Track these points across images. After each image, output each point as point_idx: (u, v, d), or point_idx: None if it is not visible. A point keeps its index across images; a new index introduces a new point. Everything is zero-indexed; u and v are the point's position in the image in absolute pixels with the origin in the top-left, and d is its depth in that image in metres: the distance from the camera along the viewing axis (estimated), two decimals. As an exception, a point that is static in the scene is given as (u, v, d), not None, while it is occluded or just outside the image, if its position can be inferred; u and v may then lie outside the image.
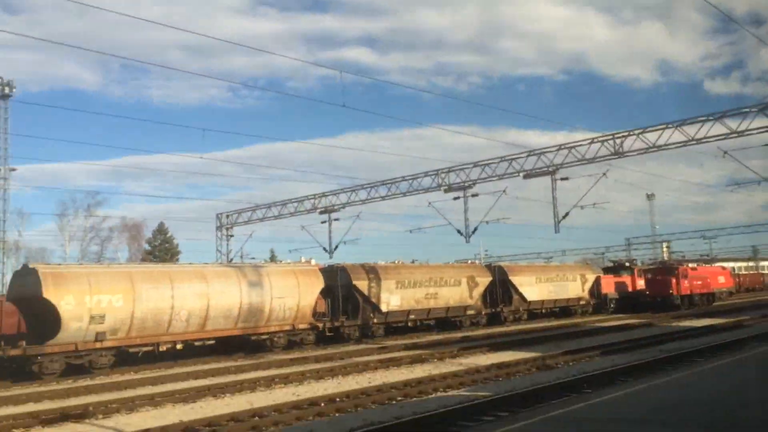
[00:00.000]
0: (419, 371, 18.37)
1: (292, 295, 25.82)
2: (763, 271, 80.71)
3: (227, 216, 37.58)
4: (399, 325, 31.31)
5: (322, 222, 33.02)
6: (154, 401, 14.88)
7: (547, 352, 21.32)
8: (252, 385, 16.62)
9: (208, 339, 23.73)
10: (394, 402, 13.72)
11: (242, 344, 25.28)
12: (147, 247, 73.00)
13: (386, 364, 20.03)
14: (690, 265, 49.40)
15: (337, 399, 14.11)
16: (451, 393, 14.58)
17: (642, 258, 78.91)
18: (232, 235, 37.00)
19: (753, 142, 22.91)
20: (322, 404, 13.54)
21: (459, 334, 30.38)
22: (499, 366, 18.16)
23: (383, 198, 30.93)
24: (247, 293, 24.41)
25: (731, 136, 22.06)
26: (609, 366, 16.83)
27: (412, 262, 35.20)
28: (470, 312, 33.66)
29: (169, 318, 22.29)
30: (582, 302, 40.29)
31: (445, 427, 10.47)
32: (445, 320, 33.25)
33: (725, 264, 68.73)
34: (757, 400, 8.85)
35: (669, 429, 7.50)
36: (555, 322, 35.83)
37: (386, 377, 17.43)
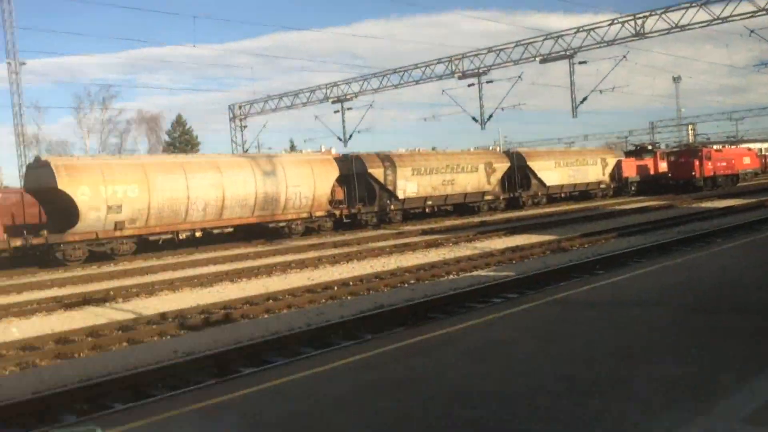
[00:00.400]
0: (434, 255, 18.50)
1: (307, 184, 25.81)
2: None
3: (240, 107, 37.02)
4: (416, 212, 31.41)
5: (335, 111, 32.39)
6: (173, 285, 15.27)
7: (564, 235, 21.25)
8: (268, 270, 16.93)
9: (226, 227, 24.05)
10: (406, 285, 13.87)
11: (261, 232, 25.70)
12: (167, 138, 73.16)
13: (401, 248, 20.21)
14: (715, 147, 48.21)
15: (351, 283, 14.30)
16: (463, 276, 14.68)
17: (667, 141, 77.26)
18: (245, 126, 36.66)
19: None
20: (336, 288, 13.73)
21: (476, 219, 30.46)
22: (514, 249, 18.18)
23: (395, 86, 30.05)
24: (262, 183, 24.43)
25: (759, 14, 20.58)
26: (624, 248, 16.73)
27: (433, 149, 34.82)
28: (488, 197, 33.56)
29: (186, 207, 22.50)
30: (602, 186, 39.87)
31: (452, 308, 10.55)
32: (463, 206, 33.26)
33: (752, 145, 67.02)
34: (760, 283, 8.66)
35: (660, 309, 7.40)
36: (574, 206, 35.65)
37: (401, 261, 17.59)
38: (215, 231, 23.76)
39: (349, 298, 12.76)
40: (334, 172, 27.09)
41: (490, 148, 48.60)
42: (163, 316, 11.60)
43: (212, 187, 23.11)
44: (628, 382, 4.95)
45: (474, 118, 28.29)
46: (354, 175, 28.30)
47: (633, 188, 41.26)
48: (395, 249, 20.16)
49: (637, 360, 5.51)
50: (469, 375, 5.45)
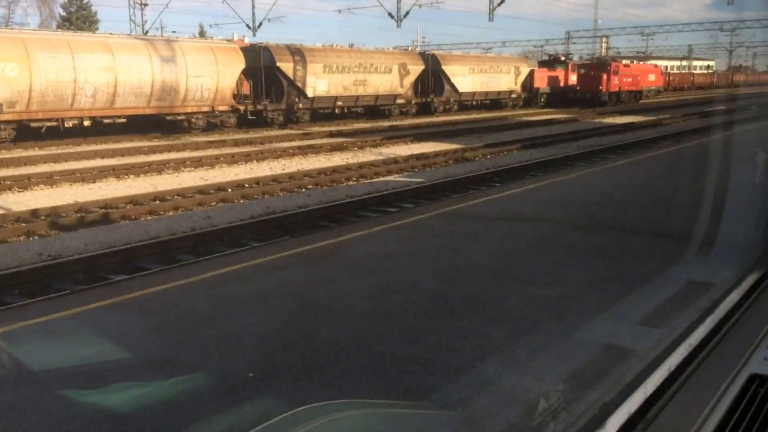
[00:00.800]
0: (337, 159, 18.09)
1: (210, 74, 24.28)
2: (694, 71, 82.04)
3: (140, -18, 33.86)
4: (326, 112, 30.53)
5: (245, -5, 30.11)
6: (51, 180, 14.14)
7: (470, 144, 21.31)
8: (159, 168, 15.99)
9: (118, 117, 22.45)
10: (304, 190, 13.47)
11: (158, 124, 24.21)
12: (62, 12, 66.78)
13: (305, 150, 19.62)
14: (624, 62, 49.28)
15: (246, 185, 13.72)
16: (362, 182, 14.43)
17: (582, 53, 78.35)
18: (146, 4, 33.68)
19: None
20: (229, 190, 13.15)
21: (387, 123, 30.01)
22: (418, 157, 18.03)
23: (311, -29, 28.10)
24: (159, 70, 22.71)
25: None
26: (525, 160, 16.94)
27: (350, 46, 33.43)
28: (400, 101, 33.02)
29: (73, 92, 20.69)
30: (513, 95, 40.12)
31: (345, 217, 10.30)
32: (375, 108, 32.61)
33: (660, 62, 69.23)
34: (640, 201, 8.88)
35: (543, 225, 7.44)
36: (485, 114, 35.81)
37: (302, 164, 17.09)
38: (106, 120, 22.11)
39: (241, 201, 12.25)
40: (240, 64, 25.56)
41: (409, 49, 47.41)
42: (35, 213, 10.70)
43: (103, 70, 21.26)
44: (500, 301, 4.88)
45: (390, 14, 27.18)
46: (261, 68, 26.83)
47: (543, 99, 41.82)
48: (299, 151, 19.55)
49: (512, 278, 5.46)
50: (344, 290, 5.23)
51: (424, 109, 34.92)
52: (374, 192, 12.57)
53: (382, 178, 14.98)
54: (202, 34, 64.74)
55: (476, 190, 11.75)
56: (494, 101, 39.32)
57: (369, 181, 14.49)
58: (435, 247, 6.57)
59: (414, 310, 4.71)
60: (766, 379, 1.98)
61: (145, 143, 21.47)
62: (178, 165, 16.51)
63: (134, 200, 11.95)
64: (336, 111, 30.69)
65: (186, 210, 11.37)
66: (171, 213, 11.17)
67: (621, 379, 2.22)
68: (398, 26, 27.57)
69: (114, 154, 18.84)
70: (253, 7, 30.32)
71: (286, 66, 27.15)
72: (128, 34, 24.31)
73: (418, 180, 14.23)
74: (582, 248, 6.37)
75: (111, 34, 23.48)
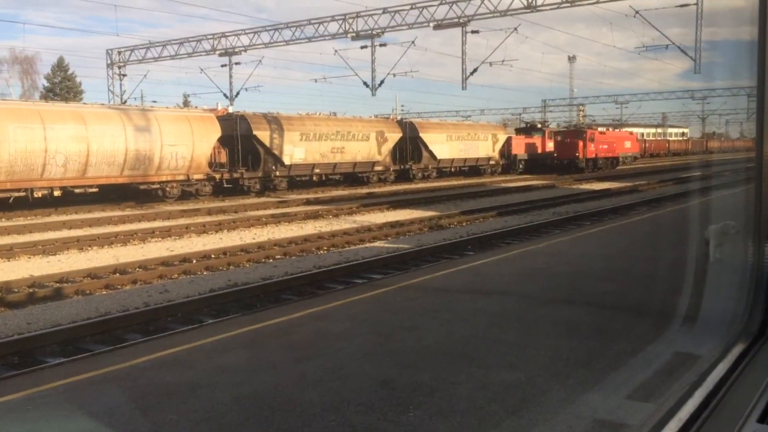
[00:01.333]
0: (310, 228, 17.78)
1: (186, 143, 24.19)
2: (669, 138, 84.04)
3: (119, 53, 34.16)
4: (303, 179, 30.46)
5: (223, 65, 30.55)
6: (11, 252, 13.63)
7: (446, 211, 21.17)
8: (126, 238, 15.55)
9: (90, 186, 22.11)
10: (271, 260, 13.07)
11: (132, 193, 23.90)
12: (45, 84, 67.45)
13: (279, 219, 19.32)
14: (600, 129, 50.26)
15: (212, 255, 13.30)
16: (334, 251, 14.08)
17: (558, 120, 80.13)
18: (125, 75, 33.92)
19: (668, 3, 22.10)
20: (194, 261, 12.72)
21: (365, 190, 29.96)
22: (392, 225, 17.77)
23: (287, 42, 28.66)
24: (133, 138, 22.59)
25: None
26: (499, 228, 16.74)
27: (333, 114, 33.74)
28: (378, 168, 33.13)
29: (43, 162, 20.42)
30: (492, 162, 40.51)
31: (307, 288, 9.89)
32: (353, 175, 32.66)
33: (636, 129, 70.82)
34: (610, 274, 8.59)
35: (508, 299, 7.09)
36: (463, 181, 35.99)
37: (273, 233, 16.75)
38: (77, 190, 21.77)
39: (204, 273, 11.80)
40: (216, 132, 25.56)
41: (390, 117, 48.05)
42: (-17, 288, 10.17)
43: (75, 140, 21.07)
44: (452, 389, 4.46)
45: (365, 83, 27.54)
46: (238, 136, 26.84)
47: (521, 166, 42.25)
48: (272, 219, 19.24)
49: (468, 361, 5.05)
50: (284, 378, 4.78)
51: (403, 176, 35.05)
52: (343, 262, 12.21)
53: (354, 247, 14.65)
54: (186, 103, 65.50)
55: (447, 260, 11.43)
56: (473, 168, 39.64)
57: (340, 250, 14.14)
58: (391, 325, 6.17)
59: (357, 401, 4.28)
60: None
61: (116, 213, 21.07)
62: (146, 235, 16.09)
63: (92, 273, 11.47)
64: (314, 178, 30.65)
65: (145, 283, 10.89)
66: (128, 287, 10.68)
67: None
68: (373, 95, 27.93)
69: (82, 224, 18.40)
70: (231, 76, 30.66)
71: (263, 134, 27.20)
72: (102, 104, 24.28)
73: (390, 248, 13.92)
74: (548, 325, 6.01)
75: (85, 104, 23.46)
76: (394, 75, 28.19)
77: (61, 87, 67.83)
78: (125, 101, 33.83)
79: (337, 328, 6.16)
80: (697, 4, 21.93)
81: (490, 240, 14.52)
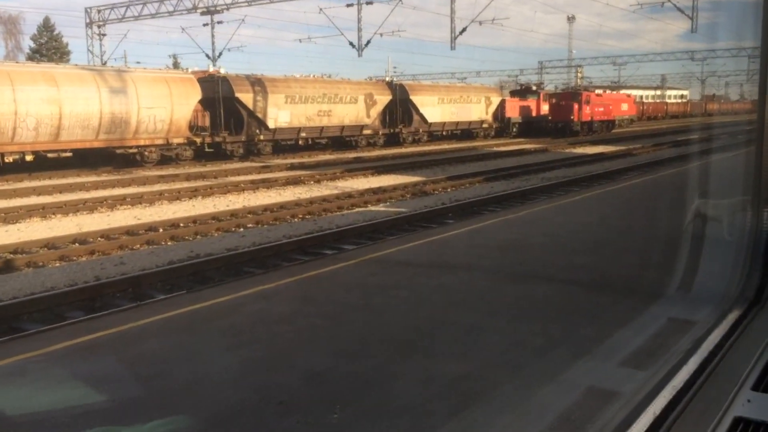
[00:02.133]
0: (289, 194, 17.17)
1: (164, 106, 23.37)
2: (668, 100, 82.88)
3: (99, 11, 32.93)
4: (289, 144, 29.70)
5: (204, 24, 29.47)
6: (-31, 221, 13.02)
7: (433, 176, 20.56)
8: (94, 206, 14.93)
9: (63, 150, 21.38)
10: (241, 229, 12.48)
11: (110, 158, 23.17)
12: (31, 45, 65.85)
13: (257, 185, 18.69)
14: (597, 91, 49.28)
15: (181, 224, 12.72)
16: (308, 219, 13.49)
17: (556, 83, 78.87)
18: (104, 35, 32.75)
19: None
20: (161, 230, 12.14)
21: (352, 155, 29.23)
22: (375, 191, 17.16)
23: (271, 0, 27.55)
24: (108, 101, 21.77)
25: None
26: (484, 194, 16.14)
27: (328, 76, 32.74)
28: (367, 132, 32.33)
29: (13, 125, 19.65)
30: (485, 125, 39.67)
31: (272, 260, 9.33)
32: (341, 139, 31.89)
33: (634, 92, 69.69)
34: (588, 246, 8.03)
35: (476, 274, 6.53)
36: (454, 145, 35.24)
37: (250, 200, 16.14)
38: (50, 155, 21.05)
39: (169, 243, 11.21)
40: (196, 95, 24.71)
41: (386, 79, 46.91)
42: (-72, 259, 9.58)
43: (46, 102, 20.27)
44: (390, 383, 3.93)
45: (351, 43, 26.56)
46: (220, 99, 25.99)
47: (515, 129, 41.43)
48: (251, 185, 18.60)
49: (417, 349, 4.51)
50: (206, 370, 4.24)
51: (393, 140, 34.27)
52: (315, 231, 11.64)
53: (330, 215, 14.06)
54: (176, 65, 64.09)
55: (423, 229, 10.85)
56: (465, 131, 38.83)
57: (315, 218, 13.55)
58: (343, 306, 5.61)
59: (279, 398, 3.73)
60: (750, 423, 1.95)
61: (90, 178, 20.39)
62: (116, 202, 15.47)
63: (50, 243, 10.89)
64: (300, 143, 29.90)
65: (103, 255, 10.31)
66: (84, 258, 10.10)
67: (608, 423, 2.10)
68: (360, 55, 26.99)
69: (54, 190, 17.74)
70: (213, 36, 29.59)
71: (246, 97, 26.34)
72: (75, 65, 23.35)
73: (368, 216, 13.34)
74: (511, 305, 5.46)
75: (57, 64, 22.55)
76: (381, 35, 27.28)
77: (48, 48, 66.34)
78: (105, 62, 32.80)
79: (282, 308, 5.61)
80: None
81: (472, 207, 13.93)
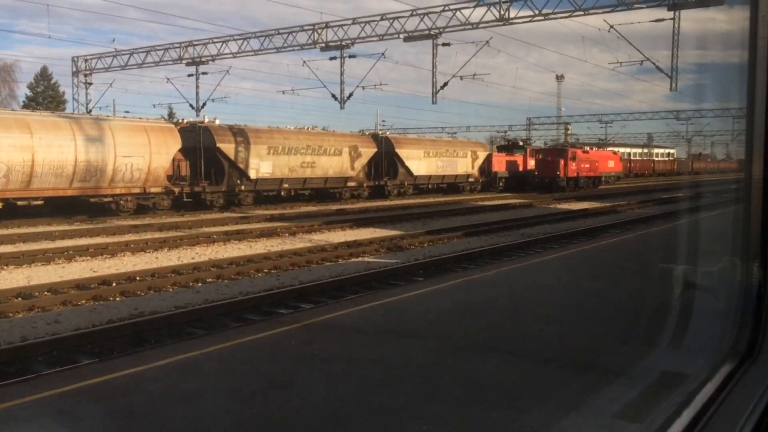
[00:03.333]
0: (259, 247, 16.61)
1: (142, 154, 23.00)
2: (655, 158, 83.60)
3: (86, 60, 32.95)
4: (271, 195, 29.28)
5: (189, 75, 29.46)
6: None
7: (412, 230, 20.08)
8: (52, 256, 14.31)
9: (35, 198, 20.85)
10: (200, 284, 11.87)
11: (85, 206, 22.63)
12: (28, 93, 66.30)
13: (230, 236, 18.12)
14: (585, 148, 49.49)
15: (138, 278, 12.09)
16: (272, 274, 12.90)
17: (545, 139, 79.51)
18: (90, 83, 32.70)
19: (644, 18, 21.32)
20: (114, 284, 11.52)
21: (335, 207, 28.84)
22: (349, 245, 16.64)
23: (255, 52, 27.61)
24: (84, 149, 21.40)
25: (618, 8, 20.31)
26: (460, 250, 15.62)
27: (321, 128, 32.60)
28: (351, 184, 32.03)
29: (-18, 173, 19.16)
30: (471, 179, 39.52)
31: (218, 320, 8.70)
32: (325, 191, 31.54)
33: (623, 149, 70.23)
34: (552, 311, 7.48)
35: (425, 344, 5.93)
36: (440, 198, 34.97)
37: (218, 252, 15.57)
38: (20, 202, 20.49)
39: (117, 299, 10.56)
40: (176, 144, 24.40)
41: (375, 132, 46.87)
42: None
43: (18, 149, 19.86)
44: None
45: (334, 96, 26.47)
46: (201, 148, 25.69)
47: (501, 184, 41.28)
48: (223, 237, 18.04)
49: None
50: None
51: (378, 192, 33.96)
52: (275, 288, 11.04)
53: (296, 269, 13.47)
54: (171, 115, 64.32)
55: (389, 287, 10.28)
56: (451, 185, 38.63)
57: (278, 273, 12.95)
58: (261, 381, 5.00)
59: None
60: None
61: (62, 227, 19.81)
62: (79, 252, 14.86)
63: (-9, 298, 10.22)
64: (282, 194, 29.50)
65: (42, 311, 9.65)
66: (21, 315, 9.44)
67: None
68: (342, 108, 26.89)
69: (19, 239, 17.13)
70: (197, 87, 29.53)
71: (227, 147, 26.06)
72: (51, 112, 23.08)
73: (335, 272, 12.77)
74: (451, 384, 4.85)
75: (32, 111, 22.27)
76: (363, 88, 27.19)
77: (44, 96, 66.77)
78: (90, 110, 32.61)
79: (191, 385, 4.97)
80: (673, 19, 21.12)
81: (445, 264, 13.40)
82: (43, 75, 66.74)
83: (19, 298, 10.37)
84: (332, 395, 4.62)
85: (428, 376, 5.04)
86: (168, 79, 30.40)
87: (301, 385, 4.87)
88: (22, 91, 65.51)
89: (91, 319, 8.91)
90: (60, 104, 66.72)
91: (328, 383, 4.89)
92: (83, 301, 10.30)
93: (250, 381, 5.01)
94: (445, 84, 23.62)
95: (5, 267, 13.06)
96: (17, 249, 15.30)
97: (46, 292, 10.81)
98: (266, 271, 13.27)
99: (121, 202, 22.98)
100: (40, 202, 21.13)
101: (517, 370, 5.21)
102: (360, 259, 15.10)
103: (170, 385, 4.94)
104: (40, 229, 19.37)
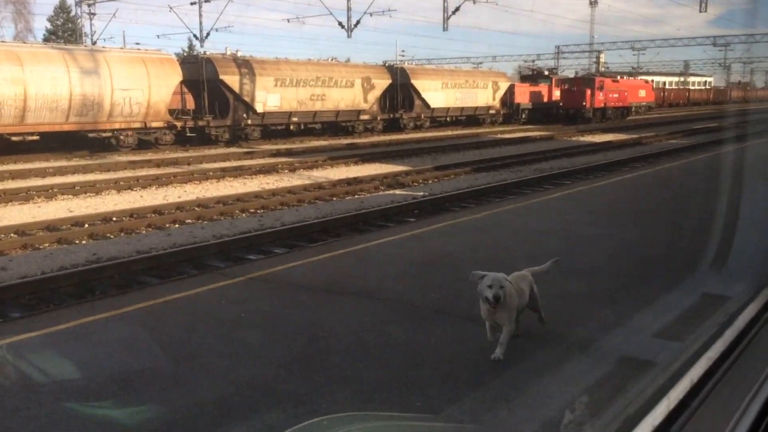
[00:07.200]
0: (254, 184, 15.85)
1: (141, 88, 22.10)
2: (690, 87, 79.94)
3: (88, -11, 31.73)
4: (279, 129, 28.30)
5: (192, 3, 28.10)
6: None
7: (420, 165, 19.09)
8: (30, 195, 13.73)
9: (30, 134, 20.23)
10: (177, 225, 11.17)
11: (84, 142, 22.00)
12: (48, 26, 65.40)
13: (226, 173, 17.37)
14: (615, 77, 47.06)
15: (114, 218, 11.46)
16: (258, 214, 12.15)
17: (576, 68, 76.23)
18: (94, 14, 31.56)
19: None
20: (86, 225, 10.91)
21: (346, 141, 27.79)
22: (349, 182, 15.77)
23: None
24: (79, 82, 20.56)
25: None
26: (464, 187, 14.63)
27: (334, 60, 31.19)
28: (364, 117, 30.82)
29: (-28, 108, 18.52)
30: (491, 111, 37.90)
31: (180, 267, 7.98)
32: (336, 125, 30.43)
33: (658, 78, 67.08)
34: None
35: (371, 305, 5.09)
36: (457, 132, 33.59)
37: (208, 191, 14.85)
38: (14, 138, 19.91)
39: (83, 242, 9.91)
40: (176, 76, 23.41)
41: (395, 62, 45.14)
42: None
43: (9, 82, 19.11)
44: None
45: (340, 23, 25.00)
46: (204, 81, 24.65)
47: (524, 116, 39.57)
48: (219, 173, 17.31)
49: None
50: None
51: (394, 126, 32.70)
52: (253, 230, 10.29)
53: (285, 209, 12.68)
54: (191, 48, 62.89)
55: (365, 233, 9.41)
56: (471, 117, 37.11)
57: (261, 214, 12.18)
58: (163, 353, 4.23)
59: None
60: None
61: (60, 163, 19.26)
62: (65, 190, 14.25)
63: (-49, 240, 9.66)
64: (291, 128, 28.49)
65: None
66: (-21, 257, 8.86)
67: (643, 392, 1.97)
68: (349, 36, 25.49)
69: (10, 176, 16.60)
70: (200, 15, 28.23)
71: (232, 79, 24.97)
72: (43, 43, 22.17)
73: (322, 212, 11.96)
74: (387, 361, 4.03)
75: (22, 43, 21.39)
76: (371, 14, 25.54)
77: (64, 29, 65.80)
78: (95, 42, 31.58)
79: (88, 353, 4.24)
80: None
81: (443, 203, 12.45)
82: (62, 8, 65.54)
83: (-12, 241, 9.79)
84: (232, 375, 3.82)
85: (358, 348, 4.21)
86: (171, 8, 29.13)
87: (203, 361, 4.08)
88: (39, 24, 64.61)
89: (43, 266, 8.28)
90: (79, 37, 65.80)
91: (239, 356, 4.10)
92: (46, 245, 9.67)
93: (151, 351, 4.25)
94: (457, 9, 21.98)
95: (-19, 207, 12.53)
96: (2, 187, 14.76)
97: (12, 234, 10.22)
98: (252, 211, 12.51)
99: (122, 137, 22.27)
100: (35, 138, 20.52)
101: (469, 341, 4.34)
102: (356, 197, 14.24)
103: (70, 352, 4.21)
104: (36, 165, 18.86)
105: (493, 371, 3.76)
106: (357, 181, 15.93)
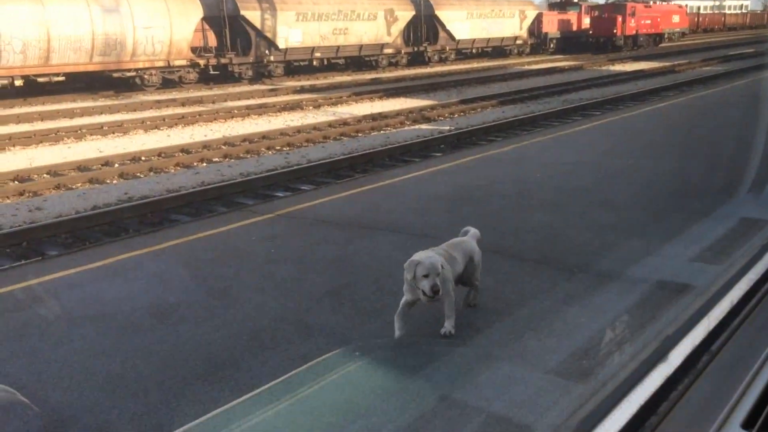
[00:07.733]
0: (279, 122, 15.79)
1: (162, 25, 21.87)
2: (726, 11, 76.43)
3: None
4: (302, 65, 27.93)
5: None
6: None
7: (445, 99, 18.82)
8: (60, 136, 13.89)
9: (56, 74, 20.28)
10: (204, 164, 11.27)
11: (109, 82, 22.02)
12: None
13: (251, 111, 17.30)
14: (652, 2, 45.12)
15: (143, 158, 11.59)
16: (286, 151, 12.17)
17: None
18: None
19: None
20: (116, 165, 11.08)
21: (370, 76, 27.37)
22: (374, 117, 15.65)
23: None
24: (101, 21, 20.40)
25: None
26: (490, 121, 14.41)
27: None
28: (388, 51, 30.19)
29: (-2, 49, 18.58)
30: (518, 41, 36.79)
31: (210, 205, 8.10)
32: (360, 60, 29.91)
33: (692, 3, 64.15)
34: (547, 200, 6.51)
35: (393, 237, 5.12)
36: (483, 63, 32.82)
37: (234, 128, 14.85)
38: (40, 79, 19.99)
39: (115, 182, 10.08)
40: (197, 12, 23.08)
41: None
42: None
43: (32, 23, 19.03)
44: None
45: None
46: (225, 17, 24.27)
47: (552, 45, 38.40)
48: (244, 111, 17.24)
49: (222, 380, 3.23)
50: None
51: (418, 59, 32.04)
52: (279, 168, 10.33)
53: (312, 146, 12.68)
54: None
55: (390, 169, 9.37)
56: (497, 49, 36.13)
57: (288, 151, 12.20)
58: (195, 292, 4.34)
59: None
60: None
61: (86, 104, 19.38)
62: (90, 131, 14.38)
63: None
64: (314, 63, 28.08)
65: (32, 196, 9.25)
66: (9, 200, 9.07)
67: (682, 312, 1.88)
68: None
69: (39, 117, 16.77)
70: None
71: (252, 15, 24.54)
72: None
73: (347, 149, 11.93)
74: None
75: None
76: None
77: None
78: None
79: (111, 292, 4.37)
80: None
81: (470, 137, 12.32)
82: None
83: (16, 182, 10.01)
84: (263, 311, 3.92)
85: (385, 282, 4.26)
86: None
87: (237, 296, 4.18)
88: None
89: (76, 205, 8.46)
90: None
91: (270, 292, 4.19)
92: (78, 185, 9.86)
93: (177, 290, 4.37)
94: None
95: (12, 148, 12.73)
96: (32, 128, 14.93)
97: (45, 175, 10.43)
98: (278, 148, 12.54)
99: (145, 76, 22.22)
100: (61, 78, 20.57)
101: (498, 272, 4.36)
102: (382, 132, 14.15)
103: (92, 294, 4.35)
104: (63, 105, 18.99)
105: (520, 302, 3.80)
106: (382, 116, 15.79)
